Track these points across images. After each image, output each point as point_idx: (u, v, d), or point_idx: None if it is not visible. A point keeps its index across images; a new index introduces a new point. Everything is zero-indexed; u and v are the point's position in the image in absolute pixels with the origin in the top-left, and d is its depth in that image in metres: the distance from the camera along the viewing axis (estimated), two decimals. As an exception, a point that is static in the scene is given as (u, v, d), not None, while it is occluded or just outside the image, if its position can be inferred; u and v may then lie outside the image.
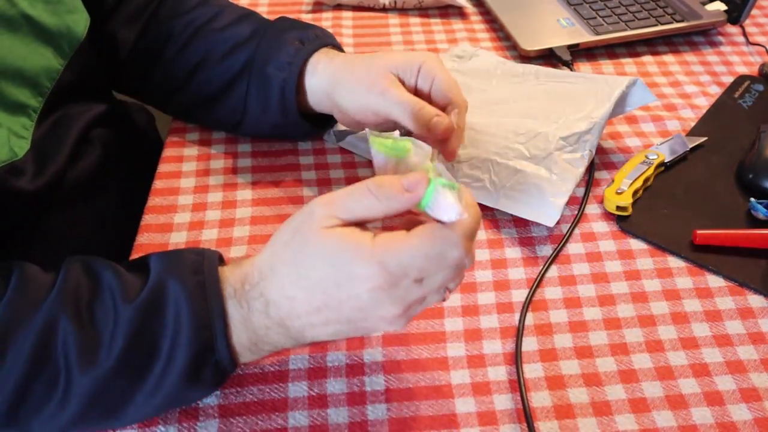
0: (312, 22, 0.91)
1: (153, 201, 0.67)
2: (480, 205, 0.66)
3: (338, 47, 0.68)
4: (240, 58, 0.67)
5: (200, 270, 0.48)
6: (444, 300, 0.47)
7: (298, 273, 0.45)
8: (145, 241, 0.63)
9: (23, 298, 0.47)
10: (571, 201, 0.67)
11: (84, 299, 0.47)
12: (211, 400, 0.52)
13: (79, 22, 0.63)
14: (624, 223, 0.65)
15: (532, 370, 0.55)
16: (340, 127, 0.71)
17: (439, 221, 0.44)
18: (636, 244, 0.64)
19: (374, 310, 0.44)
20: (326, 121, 0.70)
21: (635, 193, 0.66)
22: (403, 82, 0.61)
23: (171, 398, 0.48)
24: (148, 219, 0.66)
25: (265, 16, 0.72)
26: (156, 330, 0.46)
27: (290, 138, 0.73)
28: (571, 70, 0.84)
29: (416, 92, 0.61)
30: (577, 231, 0.65)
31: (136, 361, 0.46)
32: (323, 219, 0.44)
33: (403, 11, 0.96)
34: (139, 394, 0.47)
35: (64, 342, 0.45)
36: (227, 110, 0.70)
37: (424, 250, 0.42)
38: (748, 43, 0.91)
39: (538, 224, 0.65)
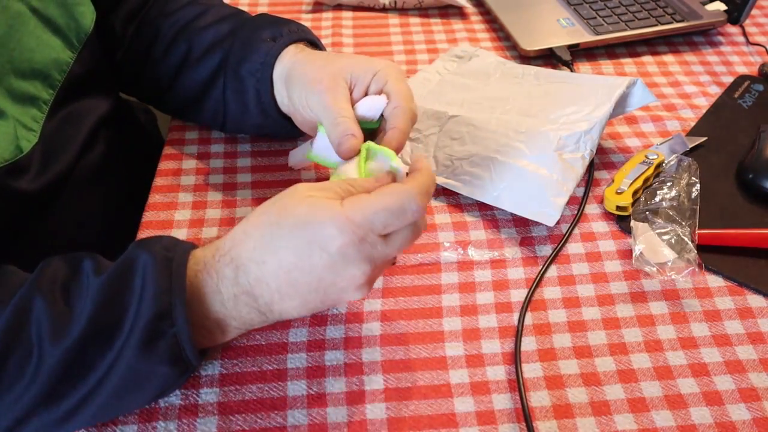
0: (312, 22, 0.93)
1: (153, 198, 0.67)
2: (480, 203, 0.67)
3: (315, 43, 0.66)
4: (216, 57, 0.67)
5: (172, 248, 0.48)
6: (394, 263, 0.50)
7: (271, 235, 0.46)
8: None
9: (1, 288, 0.48)
10: (571, 201, 0.67)
11: (59, 281, 0.48)
12: (211, 398, 0.52)
13: (86, 14, 0.63)
14: (624, 223, 0.65)
15: (531, 370, 0.55)
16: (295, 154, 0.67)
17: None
18: (635, 244, 0.64)
19: (344, 268, 0.45)
20: None
21: (635, 193, 0.66)
22: (354, 86, 0.58)
23: (129, 373, 0.46)
24: (148, 216, 0.66)
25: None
26: (123, 299, 0.46)
27: (277, 136, 0.73)
28: (571, 70, 0.84)
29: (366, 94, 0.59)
30: (576, 231, 0.65)
31: (104, 329, 0.46)
32: (304, 190, 0.47)
33: (403, 11, 0.96)
34: (104, 366, 0.46)
35: (37, 319, 0.46)
36: (210, 111, 0.70)
37: (386, 204, 0.46)
38: (748, 43, 0.91)
39: (537, 224, 0.65)
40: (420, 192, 0.47)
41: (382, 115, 0.57)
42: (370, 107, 0.57)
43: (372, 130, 0.58)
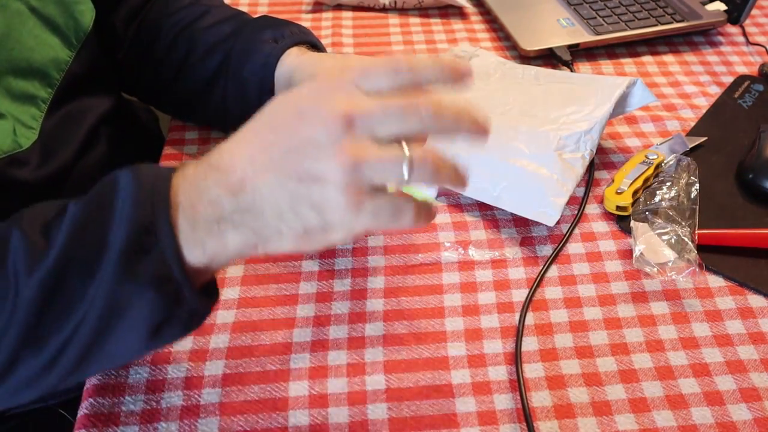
0: (312, 22, 0.92)
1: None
2: (480, 203, 0.67)
3: (316, 45, 0.66)
4: (217, 58, 0.67)
5: (158, 167, 0.44)
6: (405, 208, 0.40)
7: (253, 119, 0.43)
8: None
9: None
10: (571, 201, 0.67)
11: (41, 218, 0.43)
12: (213, 398, 0.52)
13: (86, 13, 0.63)
14: (624, 223, 0.66)
15: (533, 370, 0.55)
16: None
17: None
18: (636, 244, 0.64)
19: (314, 110, 0.39)
20: None
21: (635, 193, 0.66)
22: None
23: (110, 301, 0.41)
24: (148, 218, 0.66)
25: (265, 16, 0.72)
26: (103, 218, 0.41)
27: None
28: (571, 70, 0.84)
29: None
30: (577, 231, 0.66)
31: (81, 254, 0.41)
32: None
33: (403, 11, 0.96)
34: (86, 297, 0.41)
35: (14, 252, 0.42)
36: (210, 111, 0.70)
37: (367, 59, 0.43)
38: (748, 43, 0.92)
39: (538, 224, 0.65)
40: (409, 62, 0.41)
41: None
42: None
43: None
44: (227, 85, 0.66)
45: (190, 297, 0.42)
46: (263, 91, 0.64)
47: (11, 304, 0.41)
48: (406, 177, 0.39)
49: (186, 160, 0.43)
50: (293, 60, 0.62)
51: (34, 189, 0.60)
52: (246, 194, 0.40)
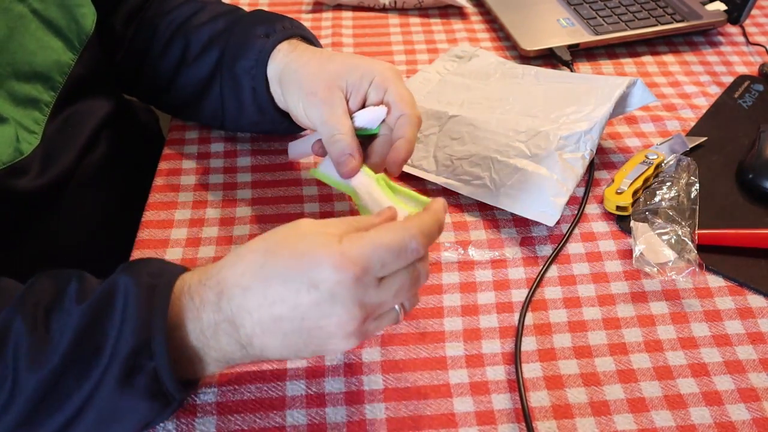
0: (312, 22, 0.93)
1: (153, 198, 0.67)
2: (480, 203, 0.66)
3: (309, 39, 0.66)
4: (213, 54, 0.67)
5: (158, 275, 0.46)
6: (398, 322, 0.47)
7: (263, 263, 0.44)
8: (146, 237, 0.64)
9: None
10: (571, 201, 0.67)
11: (43, 305, 0.45)
12: (209, 398, 0.52)
13: (87, 15, 0.63)
14: (624, 223, 0.65)
15: (531, 370, 0.55)
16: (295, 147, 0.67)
17: None
18: (635, 244, 0.64)
19: (331, 309, 0.43)
20: None
21: (635, 193, 0.66)
22: (350, 94, 0.58)
23: (108, 406, 0.44)
24: (148, 216, 0.66)
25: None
26: (104, 328, 0.44)
27: (275, 134, 0.73)
28: (571, 70, 0.84)
29: (365, 103, 0.58)
30: (577, 231, 0.65)
31: (82, 360, 0.43)
32: (307, 224, 0.46)
33: (403, 11, 0.96)
34: (82, 397, 0.43)
35: (15, 343, 0.43)
36: (209, 109, 0.70)
37: (384, 240, 0.43)
38: (748, 43, 0.91)
39: (538, 224, 0.65)
40: (422, 231, 0.45)
41: (383, 121, 0.57)
42: (371, 119, 0.57)
43: (372, 136, 0.58)
44: (223, 81, 0.66)
45: (180, 399, 0.46)
46: (257, 87, 0.64)
47: (8, 393, 0.43)
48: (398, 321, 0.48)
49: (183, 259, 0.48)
50: (282, 59, 0.62)
51: (34, 198, 0.60)
52: (254, 348, 0.45)
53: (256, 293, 0.43)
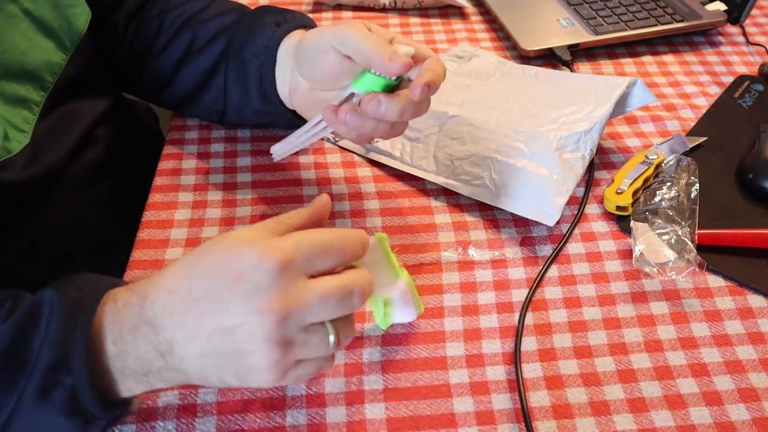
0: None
1: (153, 198, 0.67)
2: (480, 203, 0.67)
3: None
4: (220, 45, 0.67)
5: (89, 287, 0.45)
6: (329, 349, 0.43)
7: (189, 264, 0.43)
8: (146, 237, 0.64)
9: None
10: (571, 201, 0.67)
11: None
12: (210, 398, 0.52)
13: (80, 16, 0.63)
14: (624, 223, 0.65)
15: (531, 370, 0.55)
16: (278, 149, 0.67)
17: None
18: (635, 244, 0.64)
19: (256, 300, 0.40)
20: None
21: (635, 193, 0.66)
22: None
23: (28, 422, 0.43)
24: (148, 216, 0.66)
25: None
26: (29, 343, 0.43)
27: (275, 127, 0.73)
28: (571, 70, 0.84)
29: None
30: (577, 231, 0.65)
31: (8, 374, 0.43)
32: (238, 230, 0.44)
33: (403, 11, 0.96)
34: (6, 414, 0.43)
35: None
36: (210, 100, 0.70)
37: (312, 236, 0.43)
38: (748, 43, 0.91)
39: (538, 224, 0.65)
40: (348, 238, 0.44)
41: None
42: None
43: (392, 87, 0.57)
44: (228, 68, 0.67)
45: (101, 417, 0.44)
46: (264, 73, 0.64)
47: None
48: (330, 353, 0.44)
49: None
50: (297, 38, 0.62)
51: (21, 189, 0.59)
52: (174, 357, 0.42)
53: (180, 292, 0.42)
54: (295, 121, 0.66)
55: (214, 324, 0.41)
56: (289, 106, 0.65)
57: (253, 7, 0.70)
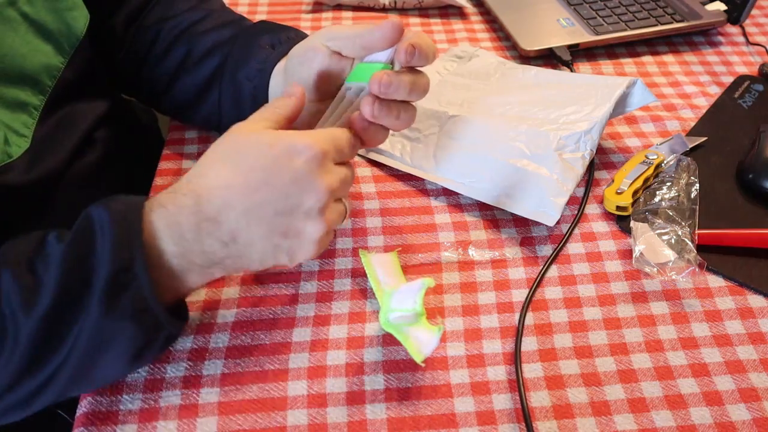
0: (312, 22, 0.93)
1: (153, 199, 0.67)
2: (480, 203, 0.67)
3: None
4: (214, 61, 0.67)
5: (127, 200, 0.48)
6: (344, 218, 0.53)
7: (236, 160, 0.47)
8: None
9: None
10: (571, 201, 0.67)
11: (25, 255, 0.47)
12: (212, 398, 0.52)
13: (79, 19, 0.63)
14: (624, 223, 0.65)
15: (532, 370, 0.55)
16: None
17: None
18: (636, 244, 0.64)
19: (310, 184, 0.47)
20: None
21: (635, 193, 0.66)
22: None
23: (95, 332, 0.46)
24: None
25: (265, 16, 0.73)
26: (87, 258, 0.45)
27: None
28: (571, 70, 0.84)
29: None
30: (577, 231, 0.65)
31: (72, 292, 0.45)
32: (249, 124, 0.50)
33: (403, 11, 0.96)
34: (75, 325, 0.45)
35: (7, 293, 0.45)
36: (205, 114, 0.70)
37: (338, 133, 0.51)
38: (748, 43, 0.92)
39: (538, 224, 0.65)
40: (347, 136, 0.52)
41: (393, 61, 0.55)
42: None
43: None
44: (223, 88, 0.66)
45: (167, 323, 0.48)
46: (257, 96, 0.64)
47: (12, 341, 0.45)
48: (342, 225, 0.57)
49: (166, 184, 0.48)
50: (284, 61, 0.62)
51: (22, 192, 0.59)
52: (237, 245, 0.48)
53: (238, 187, 0.46)
54: None
55: (276, 207, 0.47)
56: None
57: (251, 21, 0.70)
